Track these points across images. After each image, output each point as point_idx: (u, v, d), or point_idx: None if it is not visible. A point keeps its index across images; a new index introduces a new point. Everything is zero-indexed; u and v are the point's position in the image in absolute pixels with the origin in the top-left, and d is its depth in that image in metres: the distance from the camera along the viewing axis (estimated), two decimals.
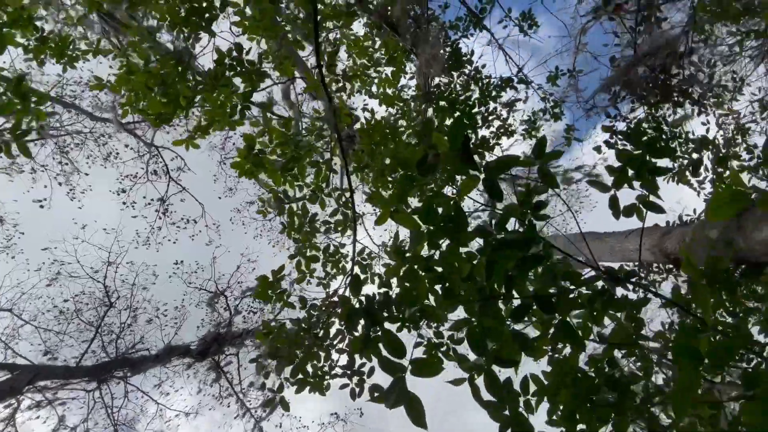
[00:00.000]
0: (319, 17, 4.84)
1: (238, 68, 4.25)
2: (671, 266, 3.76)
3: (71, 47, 5.27)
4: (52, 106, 11.14)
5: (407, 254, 2.74)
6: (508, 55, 6.55)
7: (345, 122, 5.89)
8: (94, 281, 12.24)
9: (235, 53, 4.20)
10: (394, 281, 2.78)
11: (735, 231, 2.60)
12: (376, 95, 5.85)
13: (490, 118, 6.51)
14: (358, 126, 5.73)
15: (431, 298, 2.61)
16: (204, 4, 3.42)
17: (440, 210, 2.38)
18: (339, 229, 4.34)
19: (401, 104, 6.28)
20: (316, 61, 4.36)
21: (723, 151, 4.12)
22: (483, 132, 6.89)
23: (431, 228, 2.45)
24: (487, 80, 6.71)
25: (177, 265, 12.79)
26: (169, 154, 13.19)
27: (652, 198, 2.37)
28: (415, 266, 2.65)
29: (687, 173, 4.32)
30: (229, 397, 11.38)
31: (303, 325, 4.10)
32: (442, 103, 6.52)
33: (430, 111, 6.65)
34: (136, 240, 12.94)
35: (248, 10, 4.80)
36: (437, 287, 2.58)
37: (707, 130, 4.45)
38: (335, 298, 4.22)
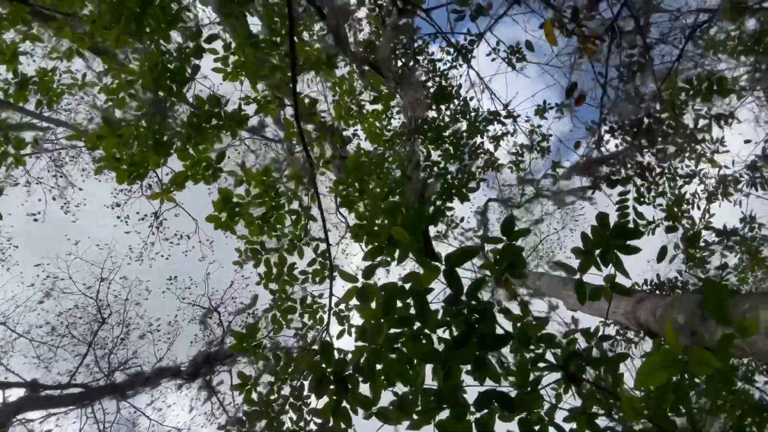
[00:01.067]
0: (300, 62, 4.82)
1: (217, 121, 4.25)
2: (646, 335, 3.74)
3: (55, 82, 5.26)
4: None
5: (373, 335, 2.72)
6: (494, 93, 6.51)
7: (346, 124, 5.87)
8: (87, 297, 12.27)
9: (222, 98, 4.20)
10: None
11: (700, 321, 2.57)
12: (363, 130, 5.83)
13: (479, 151, 6.48)
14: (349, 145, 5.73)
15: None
16: (176, 65, 3.39)
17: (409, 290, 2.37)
18: (317, 279, 4.32)
19: (388, 135, 6.26)
20: (294, 112, 4.35)
21: (701, 215, 4.09)
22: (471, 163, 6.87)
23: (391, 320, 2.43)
24: (475, 113, 6.69)
25: (170, 281, 12.80)
26: (163, 168, 13.17)
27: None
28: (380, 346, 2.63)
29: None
30: (222, 415, 11.37)
31: (279, 376, 4.09)
32: (430, 134, 6.51)
33: (418, 142, 6.64)
34: (130, 255, 12.95)
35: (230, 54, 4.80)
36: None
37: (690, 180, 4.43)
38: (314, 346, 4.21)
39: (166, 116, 3.42)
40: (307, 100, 4.41)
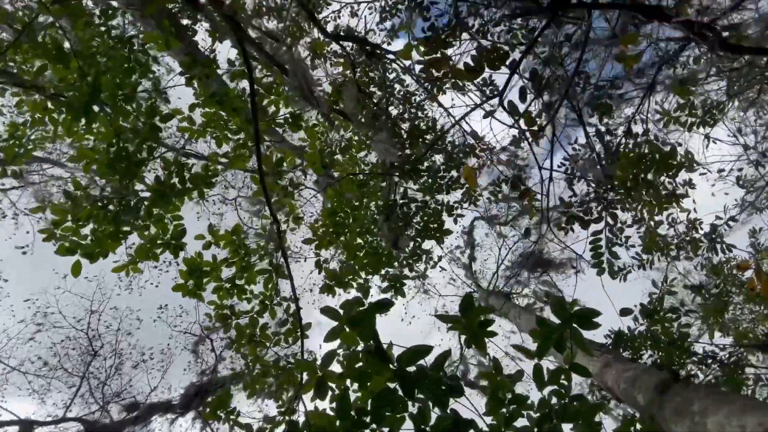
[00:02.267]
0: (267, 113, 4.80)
1: (182, 186, 4.22)
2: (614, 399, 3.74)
3: (25, 140, 5.21)
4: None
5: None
6: (464, 131, 6.50)
7: (318, 172, 5.84)
8: (78, 330, 12.22)
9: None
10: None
11: (657, 406, 2.56)
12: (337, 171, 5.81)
13: (454, 186, 6.47)
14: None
15: None
16: (132, 148, 3.37)
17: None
18: (289, 339, 4.30)
19: (365, 172, 6.24)
20: (259, 173, 4.32)
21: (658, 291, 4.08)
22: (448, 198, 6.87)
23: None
24: (451, 146, 6.67)
25: (161, 309, 12.75)
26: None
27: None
28: None
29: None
30: None
31: None
32: (407, 167, 6.49)
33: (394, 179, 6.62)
34: (119, 285, 12.90)
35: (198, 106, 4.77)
36: None
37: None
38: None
39: (124, 196, 3.39)
40: (275, 157, 4.39)
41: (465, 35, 4.46)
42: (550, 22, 2.53)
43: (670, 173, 3.66)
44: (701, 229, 4.40)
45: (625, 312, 3.60)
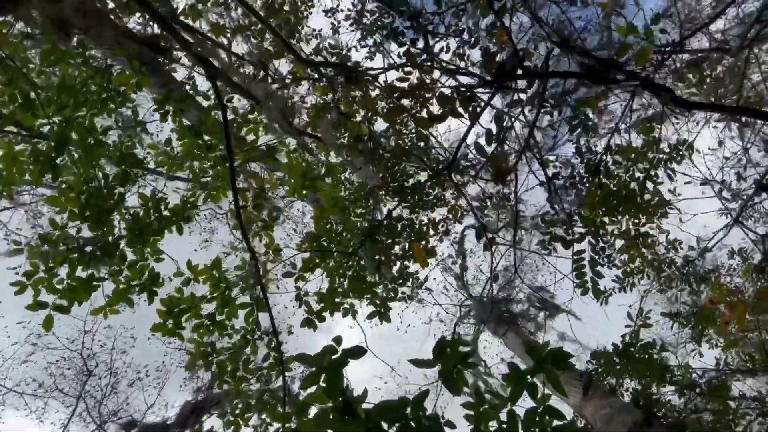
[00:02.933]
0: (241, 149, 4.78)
1: (159, 224, 4.21)
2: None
3: None
4: None
5: None
6: (444, 147, 6.48)
7: (300, 197, 5.84)
8: (71, 351, 12.18)
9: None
10: None
11: None
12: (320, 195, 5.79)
13: (439, 204, 6.45)
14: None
15: None
16: (102, 194, 3.35)
17: None
18: (272, 374, 4.28)
19: (349, 193, 6.22)
20: (235, 207, 4.30)
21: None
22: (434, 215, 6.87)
23: None
24: (436, 164, 6.66)
25: None
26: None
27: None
28: None
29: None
30: None
31: None
32: (393, 185, 6.48)
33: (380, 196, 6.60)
34: None
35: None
36: None
37: None
38: None
39: (99, 240, 3.37)
40: (250, 192, 4.37)
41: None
42: (495, 94, 2.53)
43: (641, 217, 3.67)
44: (680, 248, 4.40)
45: (595, 356, 3.59)
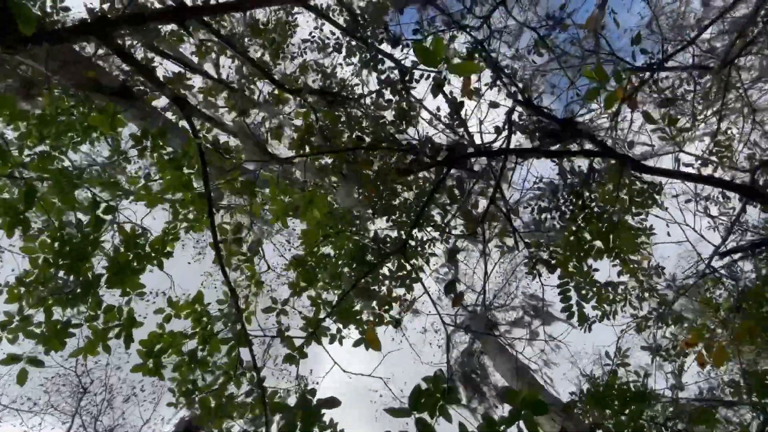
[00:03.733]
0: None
1: (138, 263, 4.19)
2: None
3: None
4: None
5: None
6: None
7: (284, 226, 5.82)
8: (66, 369, 12.15)
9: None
10: None
11: None
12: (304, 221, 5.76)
13: (422, 223, 6.43)
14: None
15: None
16: (75, 242, 3.33)
17: None
18: (256, 411, 4.26)
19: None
20: (213, 242, 4.28)
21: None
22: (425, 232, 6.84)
23: None
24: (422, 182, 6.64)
25: None
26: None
27: None
28: None
29: None
30: None
31: None
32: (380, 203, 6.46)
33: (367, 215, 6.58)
34: None
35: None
36: None
37: None
38: None
39: (75, 286, 3.35)
40: (234, 222, 4.36)
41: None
42: (446, 175, 2.53)
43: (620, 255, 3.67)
44: (663, 274, 4.39)
45: (568, 407, 3.59)
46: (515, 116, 3.09)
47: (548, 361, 8.92)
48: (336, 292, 5.83)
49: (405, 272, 5.89)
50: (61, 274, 3.68)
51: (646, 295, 4.32)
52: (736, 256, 3.93)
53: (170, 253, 4.50)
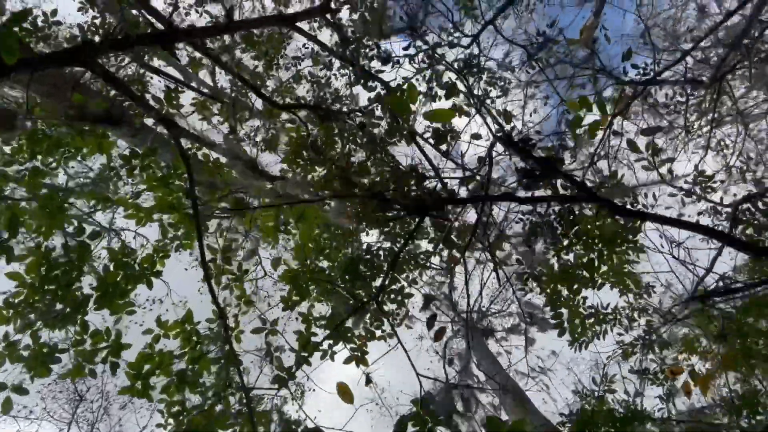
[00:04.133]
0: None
1: (126, 284, 4.18)
2: None
3: None
4: None
5: None
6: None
7: (275, 242, 5.81)
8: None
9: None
10: None
11: None
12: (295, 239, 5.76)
13: (419, 235, 6.43)
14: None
15: None
16: (62, 268, 3.33)
17: None
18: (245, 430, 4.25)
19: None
20: (201, 262, 4.27)
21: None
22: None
23: None
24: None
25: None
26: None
27: None
28: None
29: None
30: None
31: None
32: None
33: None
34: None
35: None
36: None
37: None
38: None
39: (56, 315, 3.35)
40: (219, 245, 4.35)
41: None
42: (420, 224, 2.53)
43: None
44: (654, 292, 4.38)
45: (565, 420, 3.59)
46: (498, 148, 3.10)
47: (545, 369, 8.91)
48: (329, 304, 5.82)
49: (397, 287, 5.89)
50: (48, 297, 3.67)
51: (636, 314, 4.31)
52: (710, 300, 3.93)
53: (160, 272, 4.50)
